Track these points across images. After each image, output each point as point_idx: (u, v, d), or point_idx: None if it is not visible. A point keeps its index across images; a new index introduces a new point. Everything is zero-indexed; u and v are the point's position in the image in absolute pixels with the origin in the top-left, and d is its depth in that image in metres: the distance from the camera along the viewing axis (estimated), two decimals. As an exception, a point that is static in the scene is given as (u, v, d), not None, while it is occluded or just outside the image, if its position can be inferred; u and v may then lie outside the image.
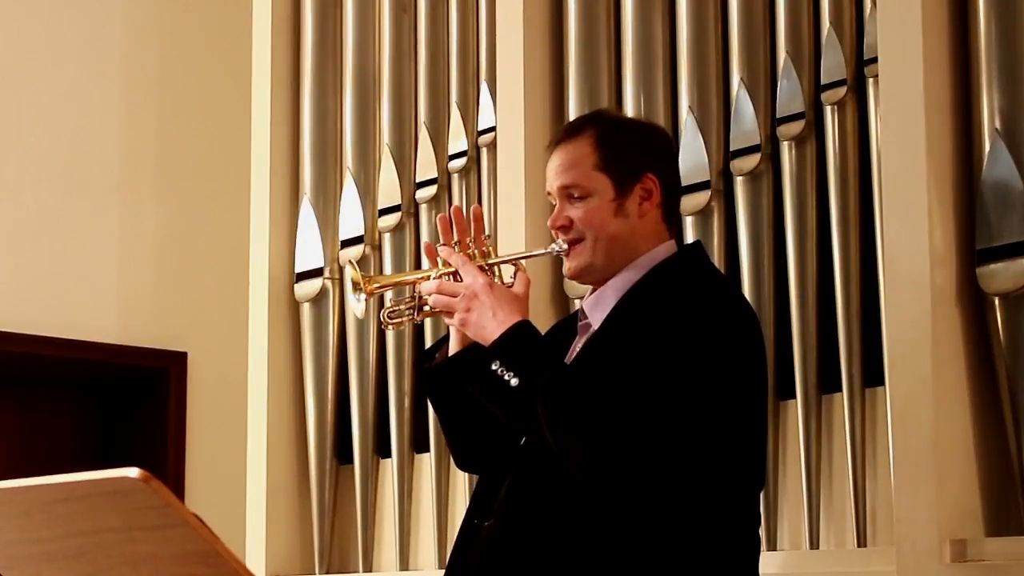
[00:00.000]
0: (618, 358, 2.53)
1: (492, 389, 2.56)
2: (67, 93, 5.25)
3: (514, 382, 2.52)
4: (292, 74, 4.89)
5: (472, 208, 2.79)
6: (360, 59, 4.72)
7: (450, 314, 2.65)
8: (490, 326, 2.59)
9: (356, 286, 2.75)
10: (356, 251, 4.60)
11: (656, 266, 2.69)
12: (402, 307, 2.78)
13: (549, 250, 2.75)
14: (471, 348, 2.67)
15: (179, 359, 5.34)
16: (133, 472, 1.92)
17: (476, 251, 2.72)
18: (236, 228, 5.12)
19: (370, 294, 2.76)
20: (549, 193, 2.75)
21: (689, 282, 2.65)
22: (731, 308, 2.61)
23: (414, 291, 2.76)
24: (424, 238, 4.47)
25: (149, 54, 5.42)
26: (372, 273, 4.53)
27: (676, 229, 2.81)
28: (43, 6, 5.24)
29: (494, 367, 2.54)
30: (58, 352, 5.13)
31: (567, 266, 2.74)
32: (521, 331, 2.58)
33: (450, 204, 4.45)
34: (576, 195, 2.70)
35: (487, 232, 2.76)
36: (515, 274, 2.71)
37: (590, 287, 2.78)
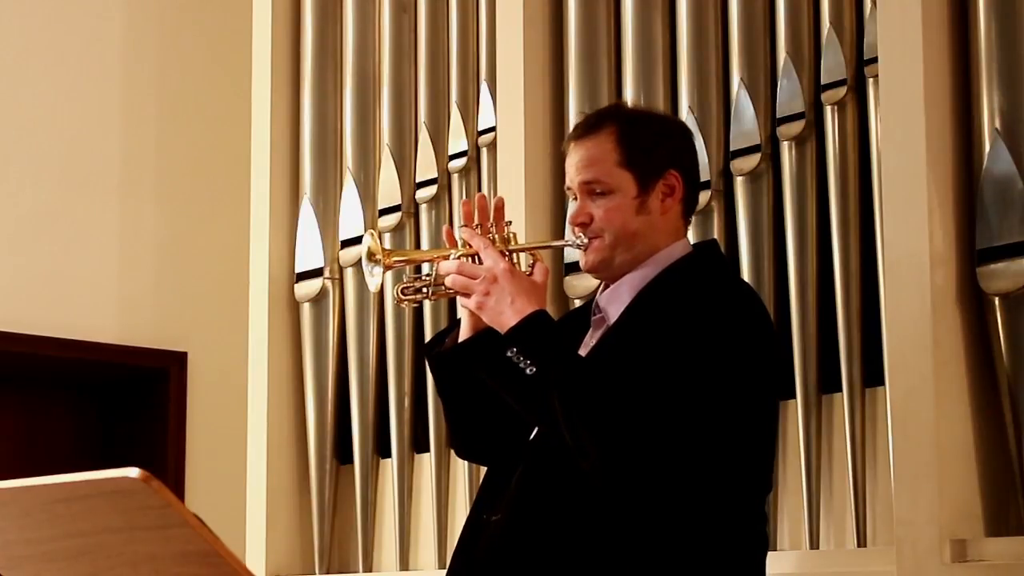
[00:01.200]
0: (633, 356, 2.52)
1: (507, 377, 2.54)
2: (67, 93, 5.25)
3: (530, 371, 2.50)
4: (292, 74, 4.89)
5: (496, 198, 2.75)
6: (360, 59, 4.72)
7: (467, 296, 2.62)
8: (508, 312, 2.56)
9: (372, 256, 2.69)
10: (356, 251, 4.60)
11: (673, 263, 2.69)
12: (418, 284, 2.73)
13: (569, 242, 2.73)
14: (484, 334, 2.64)
15: (179, 359, 5.34)
16: (133, 472, 1.92)
17: (497, 236, 2.68)
18: (236, 228, 5.11)
19: (388, 267, 2.70)
20: (569, 188, 2.73)
21: (705, 281, 2.64)
22: (747, 309, 2.61)
23: (432, 269, 2.72)
24: (424, 238, 4.47)
25: (149, 54, 5.42)
26: (365, 288, 4.53)
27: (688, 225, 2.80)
28: (43, 6, 5.25)
29: (510, 354, 2.52)
30: (58, 352, 5.13)
31: (584, 260, 2.72)
32: (539, 320, 2.56)
33: (450, 204, 4.45)
34: (598, 191, 2.68)
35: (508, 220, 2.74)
36: (533, 264, 2.69)
37: (600, 283, 2.77)
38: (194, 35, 5.49)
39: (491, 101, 4.32)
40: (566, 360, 2.52)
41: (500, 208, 2.71)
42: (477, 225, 2.69)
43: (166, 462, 5.24)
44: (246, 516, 4.72)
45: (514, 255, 2.69)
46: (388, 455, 4.50)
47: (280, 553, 4.68)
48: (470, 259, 2.66)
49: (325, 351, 4.66)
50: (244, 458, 4.77)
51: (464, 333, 2.70)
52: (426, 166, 4.51)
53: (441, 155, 4.48)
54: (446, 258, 2.68)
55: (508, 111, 4.19)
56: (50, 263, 5.15)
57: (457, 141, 4.44)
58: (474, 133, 4.40)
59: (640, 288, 2.67)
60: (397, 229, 4.54)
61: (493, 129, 4.29)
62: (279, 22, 4.91)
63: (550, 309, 3.96)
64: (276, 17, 4.91)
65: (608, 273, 2.72)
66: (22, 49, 5.19)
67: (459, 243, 2.70)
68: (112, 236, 5.28)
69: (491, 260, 2.62)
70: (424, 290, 2.73)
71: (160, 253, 5.36)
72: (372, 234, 2.75)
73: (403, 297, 2.75)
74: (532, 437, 2.65)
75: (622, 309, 2.67)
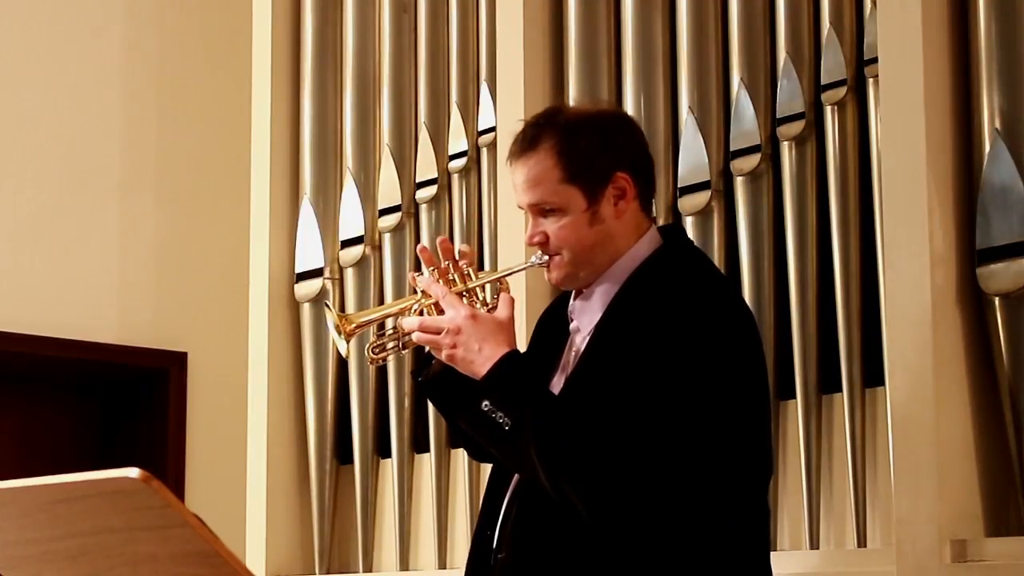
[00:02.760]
0: (609, 385, 2.48)
1: (484, 430, 2.53)
2: (67, 93, 5.25)
3: (506, 423, 2.49)
4: (292, 74, 4.89)
5: (439, 240, 2.73)
6: (360, 59, 4.72)
7: (438, 350, 2.61)
8: (478, 361, 2.55)
9: (337, 328, 2.71)
10: (356, 251, 4.60)
11: (639, 267, 2.64)
12: (386, 341, 2.73)
13: (529, 264, 2.70)
14: (459, 385, 2.63)
15: (179, 359, 5.34)
16: (133, 472, 1.92)
17: (456, 275, 2.67)
18: (236, 228, 5.12)
19: (349, 335, 2.71)
20: (520, 207, 2.71)
21: (675, 283, 2.58)
22: (721, 307, 2.56)
23: (396, 324, 2.70)
24: (424, 239, 4.47)
25: (149, 54, 5.42)
26: (365, 288, 4.54)
27: (653, 212, 2.75)
28: (43, 6, 5.25)
29: (484, 407, 2.51)
30: (58, 352, 5.13)
31: (549, 277, 2.69)
32: (508, 365, 2.54)
33: (450, 204, 4.45)
34: (548, 209, 2.63)
35: (467, 248, 2.71)
36: (498, 293, 2.67)
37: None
38: (194, 35, 5.50)
39: (491, 101, 4.32)
40: (539, 407, 2.49)
41: (448, 249, 2.69)
42: (433, 269, 2.67)
43: (166, 462, 5.24)
44: (246, 516, 4.72)
45: (477, 291, 2.68)
46: (388, 455, 4.50)
47: (280, 553, 4.68)
48: (432, 308, 2.65)
49: (325, 351, 4.66)
50: (244, 458, 4.77)
51: None
52: (426, 166, 4.51)
53: (441, 155, 4.48)
54: (406, 311, 2.67)
55: (508, 111, 4.18)
56: (50, 263, 5.15)
57: (457, 141, 4.44)
58: (474, 133, 4.40)
59: (610, 299, 2.63)
60: (397, 229, 4.54)
61: (493, 129, 4.29)
62: (279, 22, 4.91)
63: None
64: (276, 17, 4.91)
65: (576, 285, 2.69)
66: (22, 49, 5.19)
67: (419, 292, 2.68)
68: (112, 236, 5.28)
69: (451, 309, 2.60)
70: (394, 346, 2.72)
71: (160, 253, 5.36)
72: (328, 306, 2.78)
73: (375, 357, 2.76)
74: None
75: (593, 324, 2.63)
